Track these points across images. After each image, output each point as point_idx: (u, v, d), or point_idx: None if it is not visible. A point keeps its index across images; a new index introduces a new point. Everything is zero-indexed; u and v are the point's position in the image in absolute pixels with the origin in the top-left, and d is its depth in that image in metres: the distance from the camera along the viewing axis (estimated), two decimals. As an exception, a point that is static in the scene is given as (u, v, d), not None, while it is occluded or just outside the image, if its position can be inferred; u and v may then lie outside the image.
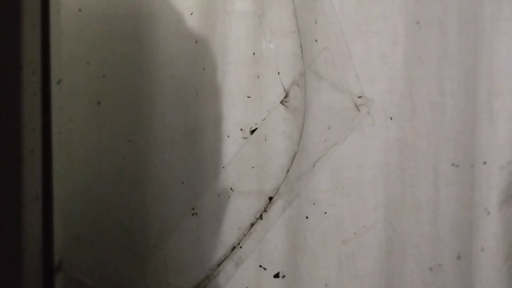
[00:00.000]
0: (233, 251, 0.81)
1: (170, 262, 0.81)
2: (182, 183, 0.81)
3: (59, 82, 0.75)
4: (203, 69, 0.80)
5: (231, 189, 0.81)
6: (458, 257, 0.81)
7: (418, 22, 0.80)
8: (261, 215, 0.81)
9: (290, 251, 0.81)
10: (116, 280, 0.82)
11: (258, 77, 0.80)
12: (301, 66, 0.80)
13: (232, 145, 0.81)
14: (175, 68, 0.80)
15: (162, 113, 0.81)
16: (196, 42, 0.80)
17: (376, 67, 0.80)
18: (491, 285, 0.81)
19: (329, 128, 0.80)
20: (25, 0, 0.67)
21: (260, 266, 0.81)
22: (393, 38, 0.80)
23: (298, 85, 0.80)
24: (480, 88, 0.81)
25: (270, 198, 0.81)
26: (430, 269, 0.81)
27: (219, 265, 0.81)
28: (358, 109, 0.80)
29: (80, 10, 0.80)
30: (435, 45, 0.80)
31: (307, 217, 0.81)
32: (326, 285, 0.81)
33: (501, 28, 0.80)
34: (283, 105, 0.80)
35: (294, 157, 0.80)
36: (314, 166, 0.80)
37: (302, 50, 0.79)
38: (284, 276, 0.81)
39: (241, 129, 0.81)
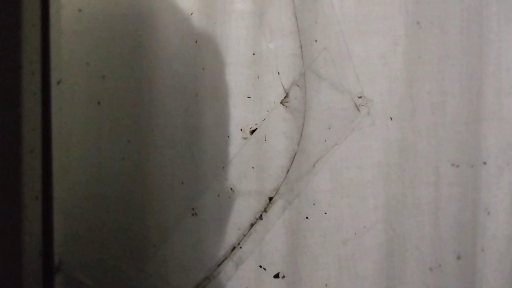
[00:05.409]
0: (233, 252, 0.81)
1: (170, 262, 0.81)
2: (182, 183, 0.81)
3: (59, 82, 0.75)
4: (203, 69, 0.80)
5: (231, 189, 0.81)
6: (458, 258, 0.81)
7: (418, 22, 0.80)
8: (261, 215, 0.81)
9: (290, 252, 0.81)
10: (116, 280, 0.82)
11: (258, 77, 0.80)
12: (301, 66, 0.79)
13: (232, 145, 0.81)
14: (175, 68, 0.80)
15: (162, 113, 0.81)
16: (196, 42, 0.80)
17: (376, 67, 0.80)
18: (491, 286, 0.81)
19: (329, 128, 0.80)
20: (25, 0, 0.67)
21: (260, 266, 0.81)
22: (393, 38, 0.80)
23: (298, 85, 0.80)
24: (485, 88, 0.81)
25: (270, 199, 0.81)
26: (431, 269, 0.81)
27: (219, 265, 0.81)
28: (358, 109, 0.80)
29: (80, 10, 0.80)
30: (435, 45, 0.80)
31: (307, 218, 0.81)
32: (326, 285, 0.81)
33: (511, 27, 0.80)
34: (283, 105, 0.80)
35: (294, 157, 0.80)
36: (314, 166, 0.80)
37: (302, 50, 0.79)
38: (284, 276, 0.81)
39: (241, 129, 0.80)
